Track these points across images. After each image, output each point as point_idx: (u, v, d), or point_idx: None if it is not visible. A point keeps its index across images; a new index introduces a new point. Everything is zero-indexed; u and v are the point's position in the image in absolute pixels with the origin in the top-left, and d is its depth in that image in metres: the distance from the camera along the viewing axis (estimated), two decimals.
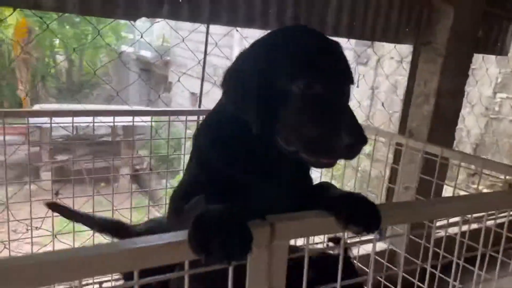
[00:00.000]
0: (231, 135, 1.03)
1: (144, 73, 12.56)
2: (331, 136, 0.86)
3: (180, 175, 1.96)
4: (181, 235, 0.67)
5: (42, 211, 1.88)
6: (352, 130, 0.86)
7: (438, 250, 1.53)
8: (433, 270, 1.51)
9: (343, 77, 0.96)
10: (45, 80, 11.35)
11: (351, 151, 0.87)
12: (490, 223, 1.44)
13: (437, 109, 2.61)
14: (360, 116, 5.95)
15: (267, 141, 0.97)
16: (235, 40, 7.93)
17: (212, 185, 0.99)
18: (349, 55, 1.06)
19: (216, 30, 2.26)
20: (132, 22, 1.98)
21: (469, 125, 4.67)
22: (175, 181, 2.80)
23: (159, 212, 4.36)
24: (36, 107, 8.47)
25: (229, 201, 0.87)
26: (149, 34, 11.25)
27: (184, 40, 2.15)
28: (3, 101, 11.43)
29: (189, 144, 1.48)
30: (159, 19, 2.04)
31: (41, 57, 11.33)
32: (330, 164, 0.93)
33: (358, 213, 0.82)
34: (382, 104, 3.09)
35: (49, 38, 10.55)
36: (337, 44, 1.02)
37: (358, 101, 5.88)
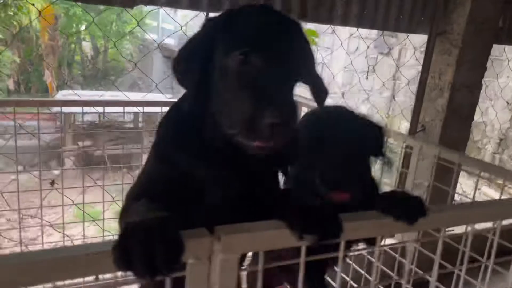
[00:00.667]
0: (190, 128, 0.97)
1: (168, 60, 12.57)
2: (254, 115, 0.78)
3: None
4: (105, 245, 0.61)
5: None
6: (277, 108, 0.77)
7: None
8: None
9: (286, 53, 0.87)
10: (71, 66, 11.53)
11: (277, 133, 0.78)
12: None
13: (452, 103, 2.48)
14: (380, 107, 5.80)
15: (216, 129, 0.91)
16: None
17: (166, 183, 0.93)
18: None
19: None
20: (128, 9, 1.93)
21: (493, 119, 4.46)
22: None
23: None
24: (60, 93, 8.61)
25: (180, 203, 0.82)
26: (172, 21, 11.23)
27: (182, 28, 2.09)
28: (31, 87, 11.69)
29: None
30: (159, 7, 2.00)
31: (67, 44, 11.49)
32: (265, 149, 0.83)
33: (313, 221, 0.74)
34: (393, 97, 2.96)
35: (75, 24, 10.70)
36: (291, 22, 0.95)
37: (380, 92, 5.74)
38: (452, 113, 2.50)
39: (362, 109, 5.80)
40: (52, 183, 2.06)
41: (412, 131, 2.62)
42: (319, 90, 1.03)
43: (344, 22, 2.30)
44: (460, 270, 1.16)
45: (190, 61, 0.94)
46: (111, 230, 2.01)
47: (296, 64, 0.89)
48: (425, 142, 1.74)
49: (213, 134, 0.93)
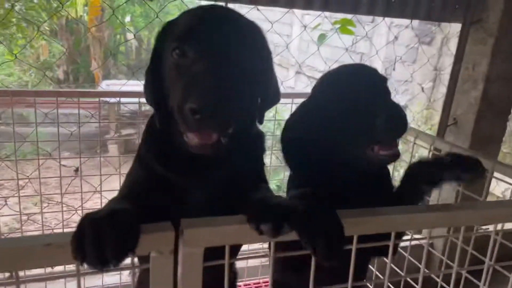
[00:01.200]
0: (165, 132, 0.97)
1: None
2: (181, 104, 0.76)
3: None
4: (64, 236, 0.62)
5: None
6: (200, 93, 0.73)
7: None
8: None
9: (227, 47, 0.84)
10: (116, 57, 11.85)
11: (201, 120, 0.73)
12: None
13: (486, 95, 2.35)
14: (422, 99, 5.59)
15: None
16: (295, 18, 7.70)
17: (143, 185, 0.95)
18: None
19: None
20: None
21: None
22: None
23: None
24: (104, 83, 8.90)
25: (156, 203, 0.82)
26: None
27: None
28: (79, 77, 12.16)
29: None
30: None
31: (113, 35, 11.83)
32: (206, 146, 0.81)
33: (270, 212, 0.72)
34: (422, 89, 2.84)
35: (120, 15, 10.95)
36: (238, 19, 0.92)
37: (419, 83, 5.53)
38: (486, 106, 2.37)
39: (401, 100, 5.62)
40: (76, 170, 2.14)
41: (443, 124, 2.51)
42: (265, 95, 1.00)
43: (370, 12, 2.22)
44: (469, 271, 1.11)
45: (147, 78, 0.98)
46: None
47: (237, 58, 0.85)
48: (454, 147, 1.63)
49: (176, 138, 0.92)
